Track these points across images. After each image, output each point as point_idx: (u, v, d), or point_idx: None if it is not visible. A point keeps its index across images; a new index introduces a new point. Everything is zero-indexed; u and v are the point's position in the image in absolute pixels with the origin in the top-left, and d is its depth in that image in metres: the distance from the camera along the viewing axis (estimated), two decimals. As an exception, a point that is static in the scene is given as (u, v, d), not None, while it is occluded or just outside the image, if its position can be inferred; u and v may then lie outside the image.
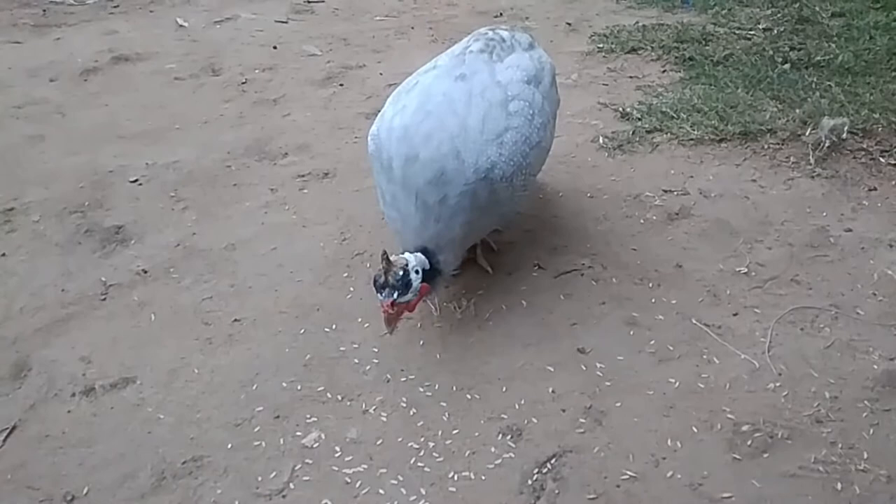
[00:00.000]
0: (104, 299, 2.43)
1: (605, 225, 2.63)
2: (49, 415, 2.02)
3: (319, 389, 2.04)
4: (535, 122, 2.15)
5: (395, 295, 1.96)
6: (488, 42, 2.33)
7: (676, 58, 3.89)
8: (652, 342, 2.13)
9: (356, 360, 2.13)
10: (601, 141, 3.15)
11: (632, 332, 2.17)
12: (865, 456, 1.77)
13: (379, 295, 1.96)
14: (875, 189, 2.72)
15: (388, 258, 1.96)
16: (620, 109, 3.39)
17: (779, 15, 4.35)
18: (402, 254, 2.05)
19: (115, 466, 1.86)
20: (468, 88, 2.14)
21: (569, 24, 4.54)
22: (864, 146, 2.94)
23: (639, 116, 3.30)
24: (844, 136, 2.94)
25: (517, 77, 2.20)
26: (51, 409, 2.04)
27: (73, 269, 2.57)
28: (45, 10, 5.23)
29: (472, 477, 1.78)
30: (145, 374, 2.12)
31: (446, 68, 2.26)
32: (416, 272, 2.01)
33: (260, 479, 1.81)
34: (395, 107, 2.17)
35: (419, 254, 2.06)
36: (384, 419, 1.95)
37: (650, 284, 2.34)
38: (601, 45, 4.12)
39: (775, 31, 4.12)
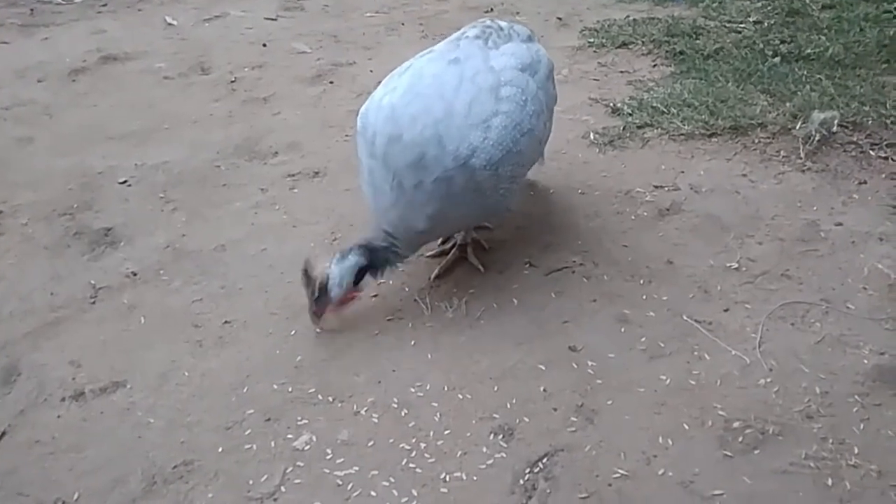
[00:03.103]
0: (93, 302, 2.42)
1: (596, 221, 2.62)
2: (39, 420, 2.01)
3: (310, 391, 2.04)
4: (528, 109, 2.14)
5: (315, 304, 2.14)
6: (485, 29, 2.33)
7: (667, 52, 3.89)
8: (643, 339, 2.13)
9: (347, 362, 2.12)
10: (592, 137, 3.14)
11: (623, 330, 2.17)
12: (856, 451, 1.77)
13: (309, 302, 2.15)
14: (865, 182, 2.72)
15: (307, 274, 2.11)
16: (611, 105, 3.38)
17: (769, 7, 4.35)
18: (333, 263, 2.14)
19: (106, 471, 1.85)
20: (460, 72, 2.14)
21: (559, 18, 4.53)
22: (855, 139, 2.94)
23: (629, 112, 3.29)
24: (835, 129, 2.94)
25: (511, 64, 2.19)
26: (40, 415, 2.02)
27: (62, 273, 2.56)
28: (32, 10, 5.20)
29: (464, 477, 1.78)
30: (135, 378, 2.11)
31: (440, 52, 2.27)
32: (339, 285, 2.12)
33: (251, 482, 1.80)
34: (386, 88, 2.20)
35: (352, 254, 2.14)
36: (375, 420, 1.94)
37: (641, 281, 2.34)
38: (592, 40, 4.11)
39: (766, 24, 4.12)
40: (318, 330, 2.19)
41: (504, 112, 2.09)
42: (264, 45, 4.43)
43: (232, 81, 3.96)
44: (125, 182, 3.07)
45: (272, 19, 4.88)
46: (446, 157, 2.03)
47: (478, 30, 2.32)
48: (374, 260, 2.17)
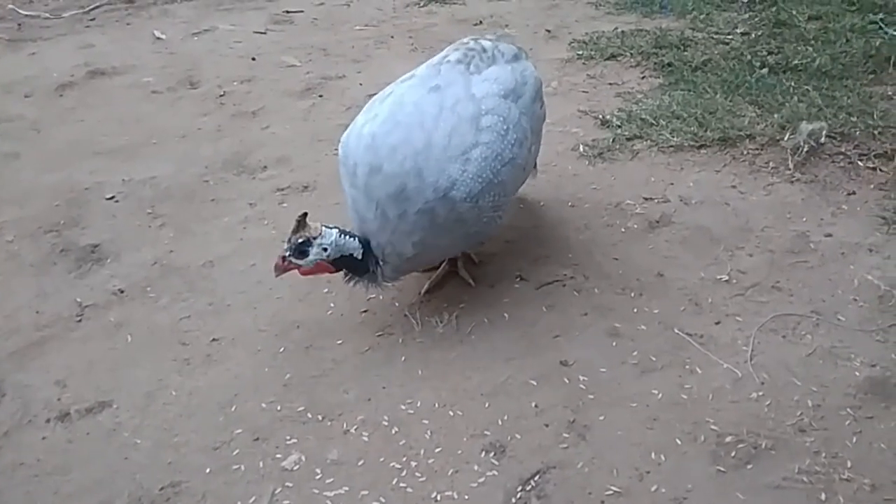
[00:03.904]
0: (80, 321, 2.39)
1: (586, 234, 2.62)
2: (23, 442, 1.98)
3: (299, 410, 2.01)
4: (509, 138, 2.12)
5: (288, 254, 2.06)
6: (467, 52, 2.30)
7: (655, 64, 3.89)
8: (634, 353, 2.12)
9: (336, 379, 2.10)
10: (581, 149, 3.14)
11: (614, 344, 2.16)
12: (849, 465, 1.76)
13: (283, 253, 2.08)
14: (854, 193, 2.72)
15: (303, 220, 2.05)
16: (600, 117, 3.38)
17: (756, 19, 4.37)
18: (332, 229, 2.09)
19: (92, 494, 1.82)
20: (440, 101, 2.12)
21: (548, 31, 4.54)
22: (843, 150, 2.94)
23: (619, 124, 3.30)
24: (823, 140, 2.95)
25: (493, 91, 2.17)
26: (25, 436, 1.99)
27: (48, 290, 2.53)
28: (20, 25, 5.18)
29: (456, 497, 1.76)
30: (121, 398, 2.09)
31: (422, 78, 2.24)
32: (323, 249, 2.07)
33: (239, 503, 1.77)
34: (367, 115, 2.18)
35: (354, 240, 2.10)
36: (365, 439, 1.92)
37: (632, 294, 2.33)
38: (581, 52, 4.12)
39: (753, 36, 4.13)
40: (273, 275, 2.13)
41: (484, 143, 2.07)
42: (253, 59, 4.42)
43: (221, 95, 3.94)
44: (112, 198, 3.04)
45: (261, 33, 4.87)
46: (426, 189, 2.02)
47: (460, 53, 2.29)
48: (364, 262, 2.13)
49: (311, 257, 2.07)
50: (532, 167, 2.45)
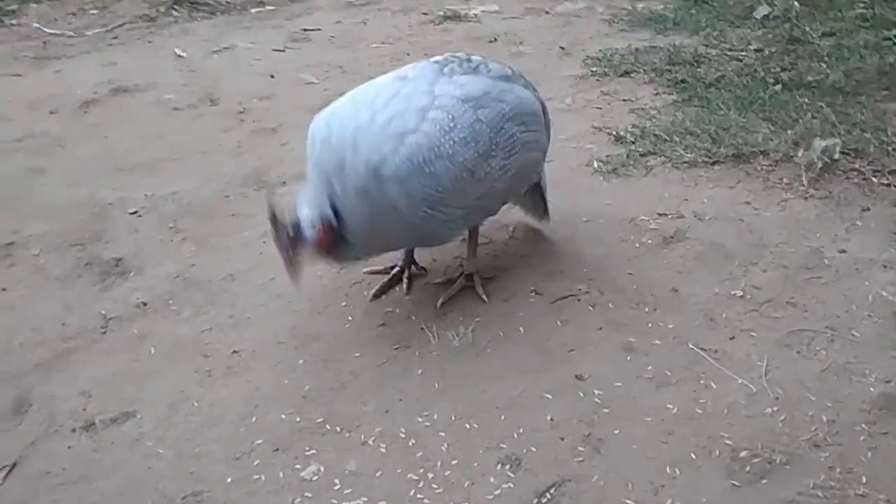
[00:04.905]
0: (104, 333, 2.44)
1: (600, 249, 2.65)
2: (49, 451, 2.02)
3: (318, 421, 2.05)
4: (453, 135, 2.09)
5: (294, 245, 2.04)
6: (449, 58, 2.32)
7: (669, 80, 3.93)
8: (649, 368, 2.14)
9: (354, 391, 2.14)
10: (596, 165, 3.18)
11: (629, 358, 2.18)
12: (864, 480, 1.77)
13: (283, 253, 2.04)
14: (868, 209, 2.74)
15: (275, 217, 2.02)
16: (614, 133, 3.42)
17: (770, 35, 4.40)
18: (299, 208, 2.07)
19: (116, 502, 1.86)
20: (398, 88, 2.17)
21: (562, 48, 4.59)
22: (857, 166, 2.96)
23: (632, 140, 3.33)
24: (836, 156, 2.96)
25: (454, 93, 2.15)
26: (51, 446, 2.04)
27: (73, 303, 2.58)
28: (45, 43, 5.29)
29: (472, 508, 1.78)
30: (145, 409, 2.13)
31: (397, 70, 2.30)
32: (312, 227, 2.05)
33: (260, 513, 1.81)
34: (341, 97, 2.27)
35: (326, 210, 2.07)
36: (383, 450, 1.95)
37: (646, 309, 2.35)
38: (594, 69, 4.16)
39: (766, 52, 4.16)
40: (298, 288, 2.09)
41: (423, 132, 2.08)
42: (272, 77, 4.49)
43: (241, 112, 4.01)
44: (135, 212, 3.11)
45: (280, 51, 4.96)
46: (359, 163, 2.04)
47: (442, 57, 2.32)
48: (340, 225, 2.10)
49: (307, 235, 2.06)
50: (502, 188, 2.29)
